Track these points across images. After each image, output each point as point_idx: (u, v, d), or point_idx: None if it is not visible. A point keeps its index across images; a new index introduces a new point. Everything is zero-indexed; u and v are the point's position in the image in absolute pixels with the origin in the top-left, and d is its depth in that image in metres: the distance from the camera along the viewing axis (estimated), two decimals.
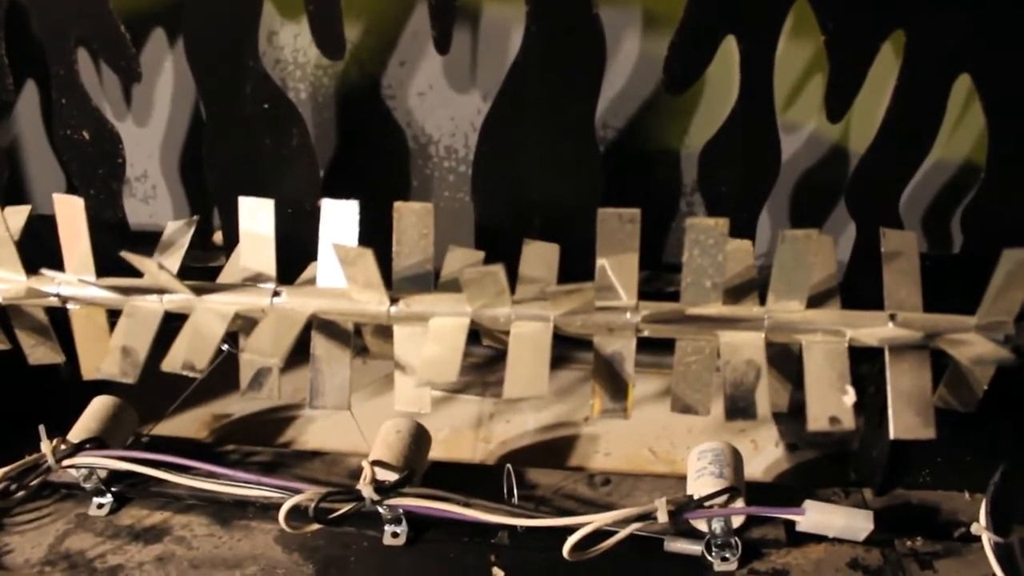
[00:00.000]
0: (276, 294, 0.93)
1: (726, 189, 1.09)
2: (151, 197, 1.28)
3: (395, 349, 0.93)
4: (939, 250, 1.15)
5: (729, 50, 1.00)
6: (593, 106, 1.05)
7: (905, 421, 0.84)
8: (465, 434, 1.21)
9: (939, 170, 1.10)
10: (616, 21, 1.05)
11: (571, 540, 0.88)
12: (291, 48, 1.14)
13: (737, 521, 0.92)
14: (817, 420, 0.84)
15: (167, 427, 1.17)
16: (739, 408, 0.85)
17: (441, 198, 1.20)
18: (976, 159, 1.07)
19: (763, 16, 0.99)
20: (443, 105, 1.15)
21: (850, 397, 0.84)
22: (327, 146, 1.19)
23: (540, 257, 0.93)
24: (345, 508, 0.93)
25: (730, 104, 1.04)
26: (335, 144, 1.19)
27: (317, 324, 0.93)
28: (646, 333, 0.88)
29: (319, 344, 0.93)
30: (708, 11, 0.98)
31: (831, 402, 0.84)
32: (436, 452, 1.07)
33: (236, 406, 1.24)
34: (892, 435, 0.84)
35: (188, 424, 1.21)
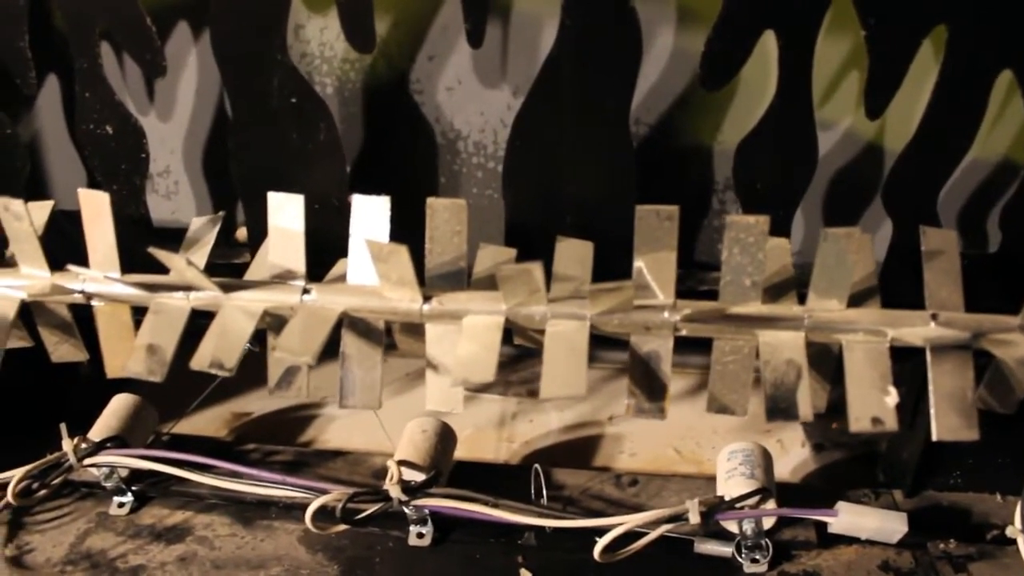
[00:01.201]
0: (306, 291, 0.92)
1: (761, 186, 1.07)
2: (173, 193, 1.27)
3: (427, 348, 0.91)
4: (976, 249, 1.15)
5: (767, 46, 0.99)
6: (628, 101, 1.04)
7: (948, 422, 0.82)
8: (488, 433, 1.20)
9: (976, 168, 1.10)
10: (650, 15, 1.04)
11: (603, 541, 0.87)
12: (318, 42, 1.13)
13: (768, 523, 0.92)
14: (859, 421, 0.83)
15: (187, 425, 1.17)
16: (780, 408, 0.84)
17: (470, 195, 1.19)
18: (1015, 157, 1.07)
19: (803, 11, 0.98)
20: (472, 100, 1.14)
21: (893, 398, 0.82)
22: (354, 141, 1.18)
23: (574, 254, 0.92)
24: (372, 509, 0.93)
25: (767, 100, 1.03)
26: (362, 139, 1.18)
27: (348, 322, 0.92)
28: (684, 332, 0.87)
29: (350, 343, 0.92)
30: (747, 5, 0.97)
31: (873, 403, 0.83)
32: (459, 452, 1.07)
33: (256, 404, 1.24)
34: (935, 436, 0.82)
35: (208, 423, 1.21)
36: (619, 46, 1.01)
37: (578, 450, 1.17)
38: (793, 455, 1.16)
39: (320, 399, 1.22)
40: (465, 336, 0.88)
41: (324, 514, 0.92)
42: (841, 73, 1.06)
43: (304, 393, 0.94)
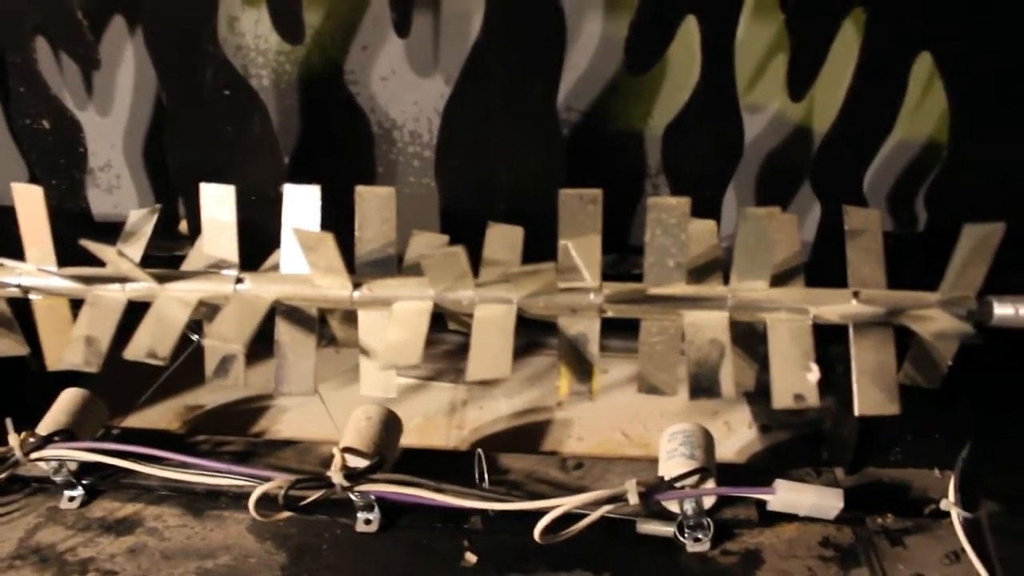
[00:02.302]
0: (239, 281, 0.93)
1: (689, 170, 1.09)
2: (115, 187, 1.27)
3: (359, 334, 0.92)
4: (905, 229, 1.16)
5: (690, 30, 1.00)
6: (555, 88, 1.05)
7: (870, 397, 0.84)
8: (438, 421, 1.21)
9: (903, 149, 1.11)
10: (578, 2, 1.04)
11: (541, 523, 0.88)
12: (252, 34, 1.13)
13: (709, 502, 0.93)
14: (782, 397, 0.84)
15: (139, 419, 1.18)
16: (703, 387, 0.85)
17: (407, 183, 1.20)
18: (939, 137, 1.08)
19: None
20: (406, 90, 1.14)
21: (814, 374, 0.84)
22: (291, 132, 1.18)
23: (504, 240, 0.93)
24: (315, 495, 0.93)
25: (692, 85, 1.03)
26: (299, 130, 1.18)
27: (281, 310, 0.93)
28: (610, 314, 0.88)
29: (283, 330, 0.93)
30: None
31: (796, 380, 0.85)
32: (410, 439, 1.07)
33: (208, 397, 1.24)
34: (857, 411, 0.84)
35: (160, 416, 1.21)
36: (543, 34, 1.02)
37: (527, 435, 1.18)
38: (740, 435, 1.17)
39: (272, 391, 1.22)
40: (394, 321, 0.89)
41: (270, 503, 0.93)
42: (768, 57, 1.07)
43: (241, 381, 0.94)
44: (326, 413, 1.09)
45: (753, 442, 1.16)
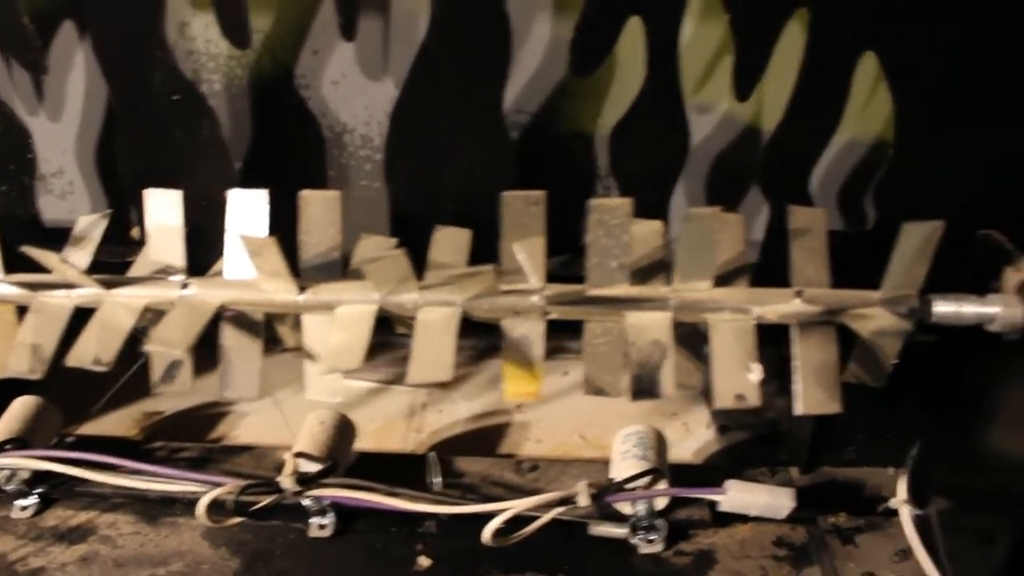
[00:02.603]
0: (185, 286, 0.93)
1: (636, 170, 1.09)
2: (68, 193, 1.27)
3: (304, 338, 0.92)
4: (855, 227, 1.16)
5: (636, 31, 1.00)
6: (501, 91, 1.05)
7: (813, 396, 0.85)
8: (397, 424, 1.20)
9: (852, 148, 1.11)
10: (526, 4, 1.05)
11: (490, 526, 0.88)
12: (203, 39, 1.13)
13: (661, 503, 0.93)
14: (723, 397, 0.84)
15: (98, 426, 1.17)
16: (644, 388, 0.85)
17: (358, 187, 1.20)
18: (887, 136, 1.08)
19: None
20: (357, 94, 1.14)
21: (756, 374, 0.84)
22: (243, 137, 1.18)
23: (451, 243, 0.93)
24: (266, 500, 0.93)
25: (638, 86, 1.03)
26: (251, 134, 1.18)
27: (226, 315, 0.92)
28: (553, 315, 0.88)
29: (228, 335, 0.93)
30: None
31: (737, 380, 0.85)
32: (368, 443, 1.07)
33: (167, 403, 1.22)
34: (800, 410, 0.85)
35: (119, 423, 1.20)
36: (489, 38, 1.02)
37: (485, 438, 1.18)
38: (698, 436, 1.17)
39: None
40: (337, 325, 0.89)
41: (223, 508, 0.92)
42: (716, 57, 1.07)
43: (187, 386, 0.94)
44: (283, 418, 1.09)
45: (711, 443, 1.16)
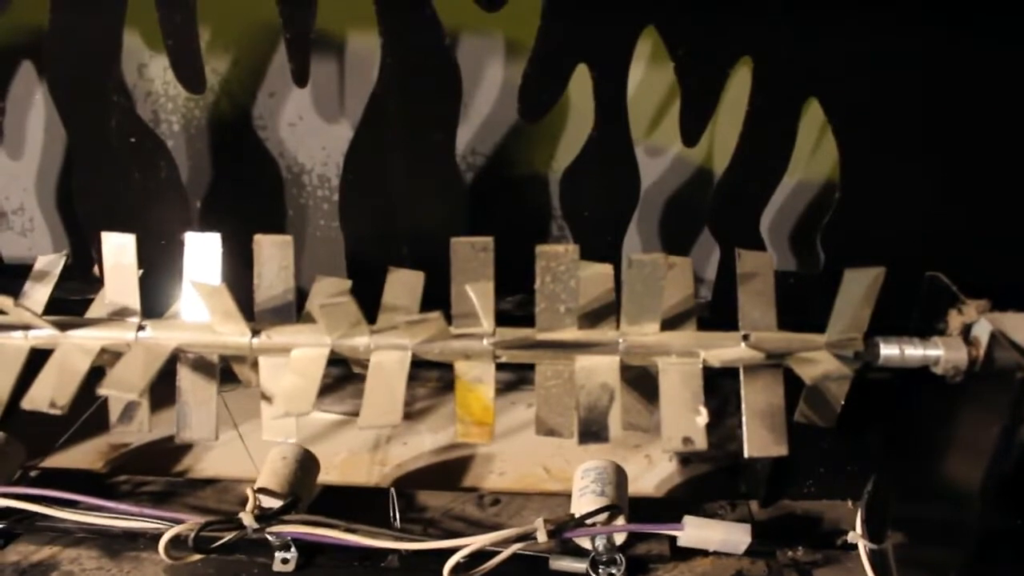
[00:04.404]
0: (141, 328, 0.93)
1: (588, 214, 1.10)
2: (29, 230, 1.27)
3: (260, 379, 0.93)
4: (807, 268, 1.18)
5: (584, 77, 1.01)
6: (452, 134, 1.07)
7: (758, 438, 0.85)
8: (362, 457, 1.21)
9: (802, 191, 1.13)
10: (479, 49, 1.06)
11: (450, 563, 0.89)
12: (161, 80, 1.14)
13: (620, 538, 0.94)
14: (671, 440, 0.85)
15: (63, 459, 1.17)
16: (591, 432, 0.86)
17: (317, 227, 1.21)
18: (835, 179, 1.09)
19: (612, 45, 1.00)
20: (314, 135, 1.16)
21: (703, 417, 0.85)
22: (202, 177, 1.19)
23: (404, 285, 0.94)
24: (227, 537, 0.93)
25: (588, 129, 1.05)
26: (210, 175, 1.19)
27: (182, 357, 0.93)
28: (504, 359, 0.89)
29: (184, 376, 0.93)
30: (558, 40, 1.00)
31: (685, 423, 0.85)
32: (333, 476, 1.08)
33: (133, 436, 1.23)
34: (746, 453, 0.85)
35: (84, 455, 1.20)
36: (439, 81, 1.03)
37: (449, 471, 1.18)
38: (660, 469, 1.18)
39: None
40: (290, 368, 0.89)
41: (184, 544, 0.92)
42: (667, 101, 1.09)
43: (146, 428, 0.94)
44: (247, 452, 1.09)
45: (673, 475, 1.17)
